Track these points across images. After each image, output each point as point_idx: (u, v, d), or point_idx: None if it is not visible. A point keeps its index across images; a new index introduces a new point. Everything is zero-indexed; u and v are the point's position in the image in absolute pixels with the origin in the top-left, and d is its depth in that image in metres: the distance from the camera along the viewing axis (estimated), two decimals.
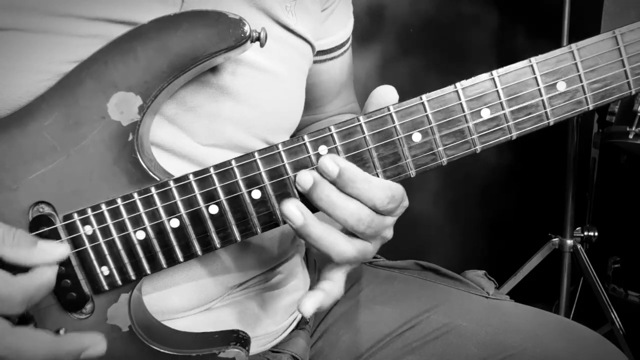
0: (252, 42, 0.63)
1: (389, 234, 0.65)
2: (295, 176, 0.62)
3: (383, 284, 0.93)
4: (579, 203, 1.84)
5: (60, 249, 0.60)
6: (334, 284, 0.65)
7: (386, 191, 0.61)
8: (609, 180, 1.85)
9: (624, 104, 1.60)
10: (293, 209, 0.60)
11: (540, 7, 2.10)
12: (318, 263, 0.92)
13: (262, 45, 0.64)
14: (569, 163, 1.79)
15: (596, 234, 1.81)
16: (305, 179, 0.61)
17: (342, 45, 0.96)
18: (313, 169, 0.62)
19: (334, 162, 0.60)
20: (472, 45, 2.11)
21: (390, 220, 0.64)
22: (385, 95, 0.62)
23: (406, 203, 0.64)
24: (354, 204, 0.60)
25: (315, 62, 0.92)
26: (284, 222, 0.63)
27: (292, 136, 0.85)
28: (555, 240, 1.84)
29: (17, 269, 0.58)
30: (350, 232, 0.62)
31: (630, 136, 1.52)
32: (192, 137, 0.71)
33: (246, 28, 0.62)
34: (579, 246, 1.80)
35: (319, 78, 0.96)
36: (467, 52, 2.09)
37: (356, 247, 0.62)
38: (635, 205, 1.74)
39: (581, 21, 1.76)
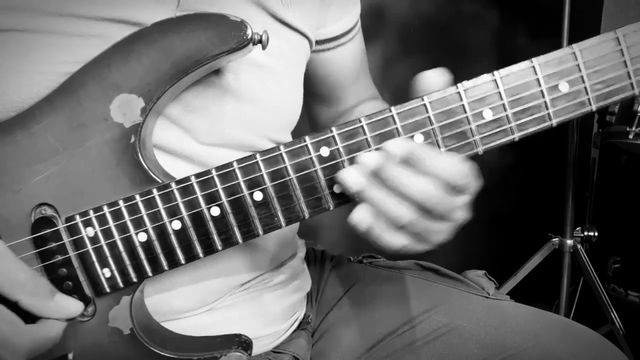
0: (254, 44, 0.63)
1: (461, 215, 0.62)
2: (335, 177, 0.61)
3: (383, 284, 0.93)
4: (579, 203, 1.83)
5: (74, 307, 0.61)
6: None
7: (459, 166, 0.59)
8: (609, 180, 1.84)
9: (624, 104, 1.59)
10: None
11: (540, 7, 2.09)
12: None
13: (264, 48, 0.64)
14: (569, 163, 1.78)
15: (596, 234, 1.80)
16: (354, 176, 0.60)
17: (349, 31, 0.94)
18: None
19: (402, 145, 0.59)
20: (473, 45, 2.10)
21: (461, 200, 0.61)
22: (428, 80, 0.61)
23: (477, 184, 0.62)
24: (422, 180, 0.58)
25: (322, 50, 0.91)
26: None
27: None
28: (555, 240, 1.83)
29: (29, 316, 0.59)
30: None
31: (630, 136, 1.51)
32: (195, 137, 0.71)
33: (248, 31, 0.62)
34: (579, 246, 1.80)
35: (330, 68, 0.95)
36: (467, 52, 2.08)
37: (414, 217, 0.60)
38: (635, 205, 1.73)
39: (581, 21, 1.75)
